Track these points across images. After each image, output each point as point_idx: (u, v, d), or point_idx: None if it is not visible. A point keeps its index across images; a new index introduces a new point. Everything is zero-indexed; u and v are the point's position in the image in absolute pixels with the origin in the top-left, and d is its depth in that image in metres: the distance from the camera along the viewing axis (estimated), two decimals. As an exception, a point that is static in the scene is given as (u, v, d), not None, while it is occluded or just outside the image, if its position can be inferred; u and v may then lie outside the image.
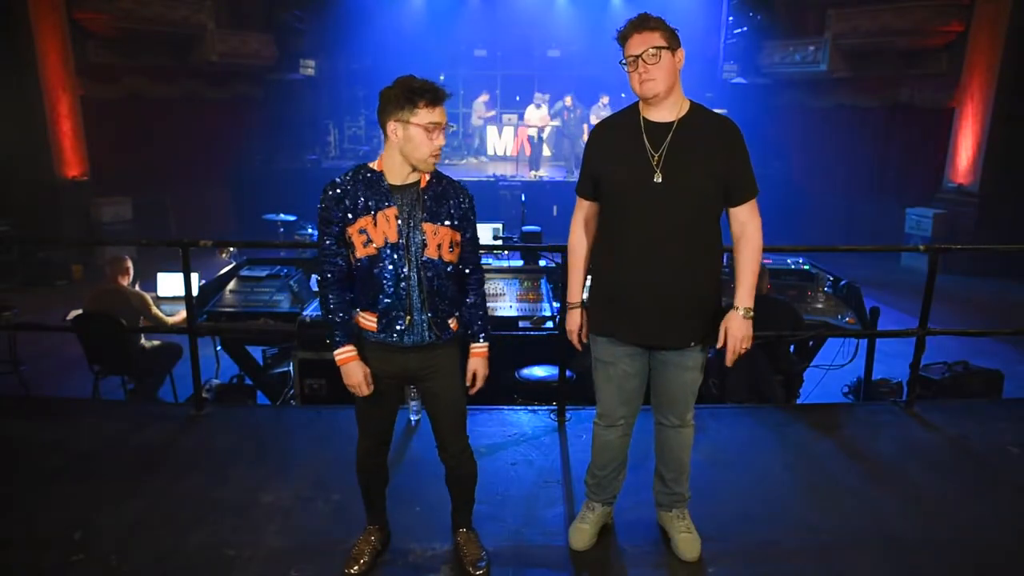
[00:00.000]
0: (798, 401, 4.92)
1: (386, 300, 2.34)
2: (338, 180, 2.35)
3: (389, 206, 2.31)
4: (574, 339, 2.73)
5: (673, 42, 2.36)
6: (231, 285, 5.16)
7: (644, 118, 2.44)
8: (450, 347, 2.49)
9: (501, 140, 14.72)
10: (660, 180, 2.37)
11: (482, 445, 3.60)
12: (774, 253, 5.95)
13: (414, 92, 2.26)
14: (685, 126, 2.41)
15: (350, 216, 2.32)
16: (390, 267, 2.32)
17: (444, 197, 2.38)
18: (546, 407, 4.04)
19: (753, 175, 2.46)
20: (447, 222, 2.36)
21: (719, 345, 2.49)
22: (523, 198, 8.05)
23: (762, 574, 2.69)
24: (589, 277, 2.70)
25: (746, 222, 2.47)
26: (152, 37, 10.79)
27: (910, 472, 3.42)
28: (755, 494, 3.21)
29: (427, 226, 2.33)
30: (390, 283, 2.33)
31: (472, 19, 15.89)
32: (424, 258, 2.33)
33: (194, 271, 4.12)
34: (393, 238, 2.30)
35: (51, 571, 2.66)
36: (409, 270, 2.33)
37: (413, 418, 3.82)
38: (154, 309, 5.17)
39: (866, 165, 11.86)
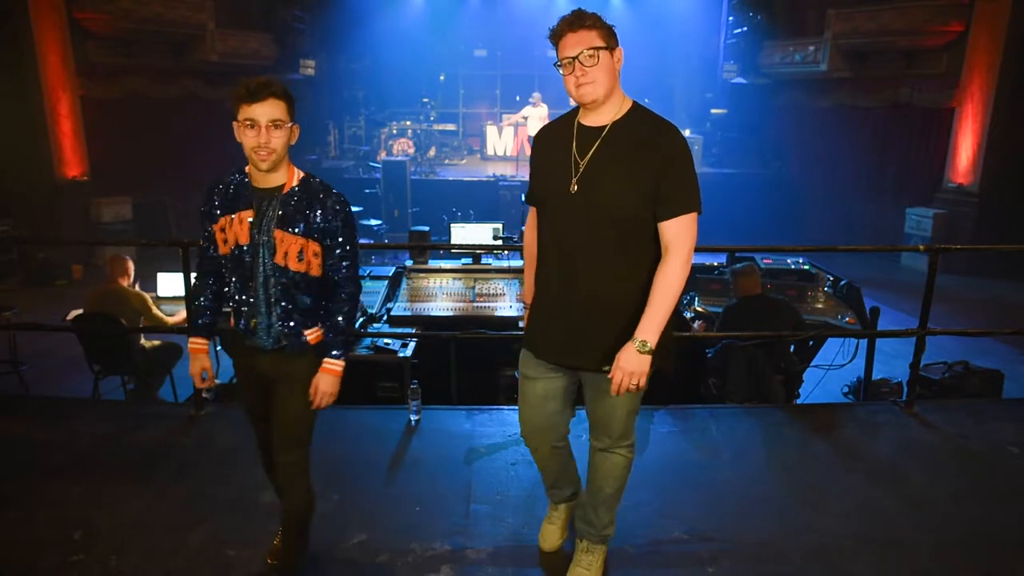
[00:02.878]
0: (798, 401, 4.92)
1: (236, 298, 2.37)
2: (217, 178, 2.38)
3: (247, 209, 2.30)
4: None
5: (611, 41, 2.18)
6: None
7: (578, 122, 2.29)
8: (304, 358, 2.37)
9: (501, 140, 14.73)
10: (576, 190, 2.21)
11: (482, 445, 3.60)
12: (774, 253, 5.96)
13: (236, 91, 2.22)
14: (617, 132, 2.22)
15: (216, 213, 2.34)
16: (240, 268, 2.33)
17: (303, 205, 2.27)
18: (546, 407, 4.04)
19: (691, 189, 2.19)
20: (299, 230, 2.27)
21: (610, 375, 2.20)
22: (523, 198, 8.04)
23: (762, 574, 2.69)
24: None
25: (671, 241, 2.18)
26: (152, 37, 10.78)
27: (910, 472, 3.42)
28: (755, 494, 3.21)
29: (277, 232, 2.28)
30: (240, 284, 2.35)
31: (472, 19, 15.89)
32: (273, 264, 2.30)
33: (194, 271, 4.12)
34: (244, 240, 2.30)
35: (51, 571, 2.65)
36: (255, 273, 2.31)
37: (413, 418, 3.82)
38: (154, 309, 5.17)
39: (866, 165, 11.86)
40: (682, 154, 2.19)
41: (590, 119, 2.28)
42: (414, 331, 4.57)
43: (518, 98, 15.65)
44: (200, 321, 2.47)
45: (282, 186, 2.30)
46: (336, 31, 14.73)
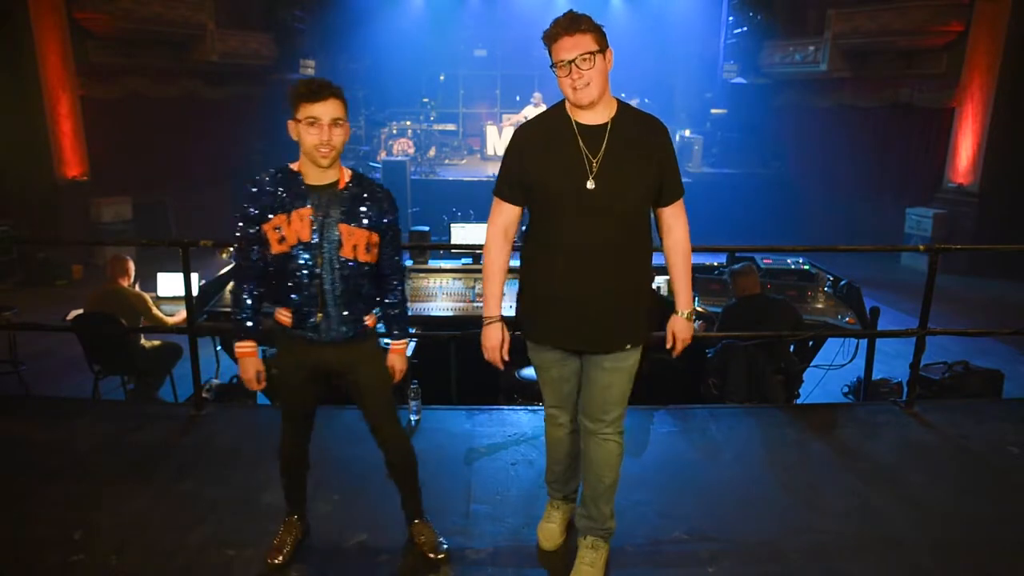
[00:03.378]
0: (798, 401, 4.92)
1: (298, 297, 2.39)
2: (258, 178, 2.39)
3: (304, 206, 2.33)
4: (495, 357, 2.53)
5: (603, 43, 2.25)
6: (231, 285, 5.16)
7: (576, 121, 2.34)
8: (369, 341, 2.56)
9: (501, 140, 14.73)
10: (593, 186, 2.28)
11: (482, 445, 3.60)
12: (774, 253, 5.96)
13: (296, 91, 2.30)
14: (618, 128, 2.32)
15: (267, 214, 2.35)
16: (302, 265, 2.35)
17: (362, 199, 2.40)
18: (546, 407, 4.04)
19: (680, 175, 2.45)
20: (364, 223, 2.38)
21: (668, 346, 2.54)
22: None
23: (762, 574, 2.69)
24: (517, 284, 2.57)
25: (673, 224, 2.45)
26: (152, 37, 10.78)
27: (910, 472, 3.42)
28: (755, 494, 3.21)
29: (343, 227, 2.35)
30: (302, 280, 2.37)
31: (472, 19, 15.90)
32: (340, 258, 2.36)
33: (194, 271, 4.13)
34: (306, 237, 2.33)
35: (51, 571, 2.65)
36: (321, 269, 2.35)
37: (413, 418, 3.82)
38: (154, 310, 5.18)
39: (866, 165, 11.86)
40: (671, 146, 2.41)
41: (587, 118, 2.34)
42: (414, 331, 4.57)
43: (518, 98, 15.65)
44: (249, 325, 2.48)
45: (336, 182, 2.38)
46: (336, 31, 14.73)
